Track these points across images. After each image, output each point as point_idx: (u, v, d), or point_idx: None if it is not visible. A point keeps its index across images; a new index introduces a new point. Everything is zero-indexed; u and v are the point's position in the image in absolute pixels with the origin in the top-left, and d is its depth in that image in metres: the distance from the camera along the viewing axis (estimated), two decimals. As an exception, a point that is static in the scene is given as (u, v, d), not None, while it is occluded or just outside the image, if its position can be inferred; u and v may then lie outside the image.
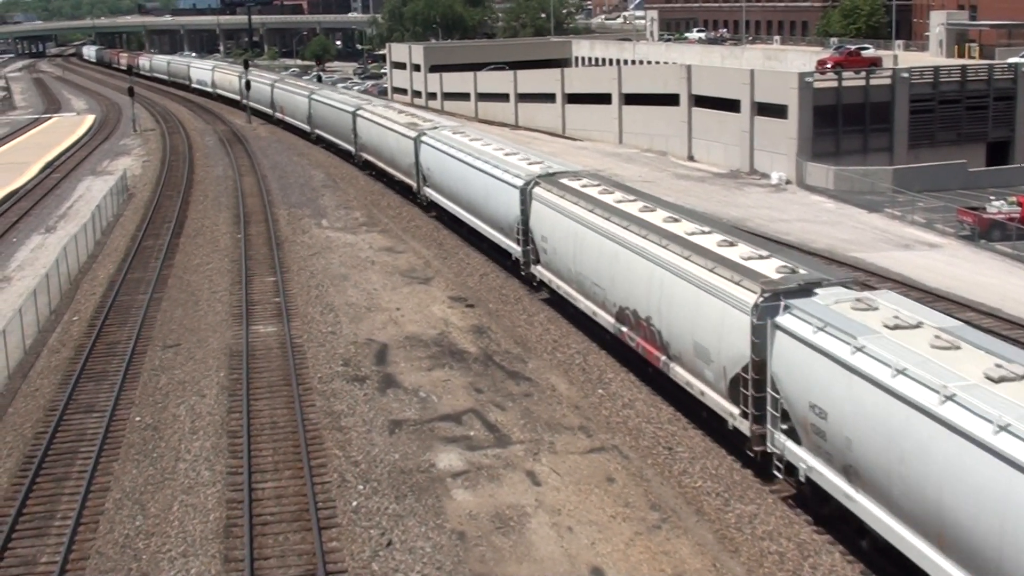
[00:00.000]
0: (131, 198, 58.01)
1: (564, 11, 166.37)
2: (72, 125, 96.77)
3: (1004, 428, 15.31)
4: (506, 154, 39.95)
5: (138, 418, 26.62)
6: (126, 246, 45.78)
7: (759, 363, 21.18)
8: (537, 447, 24.22)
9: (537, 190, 34.51)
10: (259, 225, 48.67)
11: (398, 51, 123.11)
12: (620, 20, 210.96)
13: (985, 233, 45.94)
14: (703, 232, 26.39)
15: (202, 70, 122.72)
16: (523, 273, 36.43)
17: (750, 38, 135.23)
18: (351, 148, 64.08)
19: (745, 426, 21.98)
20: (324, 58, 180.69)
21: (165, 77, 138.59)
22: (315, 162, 67.66)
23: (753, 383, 21.37)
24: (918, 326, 19.03)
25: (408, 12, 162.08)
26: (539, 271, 34.82)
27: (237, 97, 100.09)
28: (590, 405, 26.79)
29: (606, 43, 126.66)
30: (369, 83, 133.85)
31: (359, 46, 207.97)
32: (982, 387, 16.40)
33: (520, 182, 35.56)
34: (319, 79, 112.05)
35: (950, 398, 16.35)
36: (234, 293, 37.31)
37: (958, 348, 17.95)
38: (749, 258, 23.77)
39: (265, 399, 27.48)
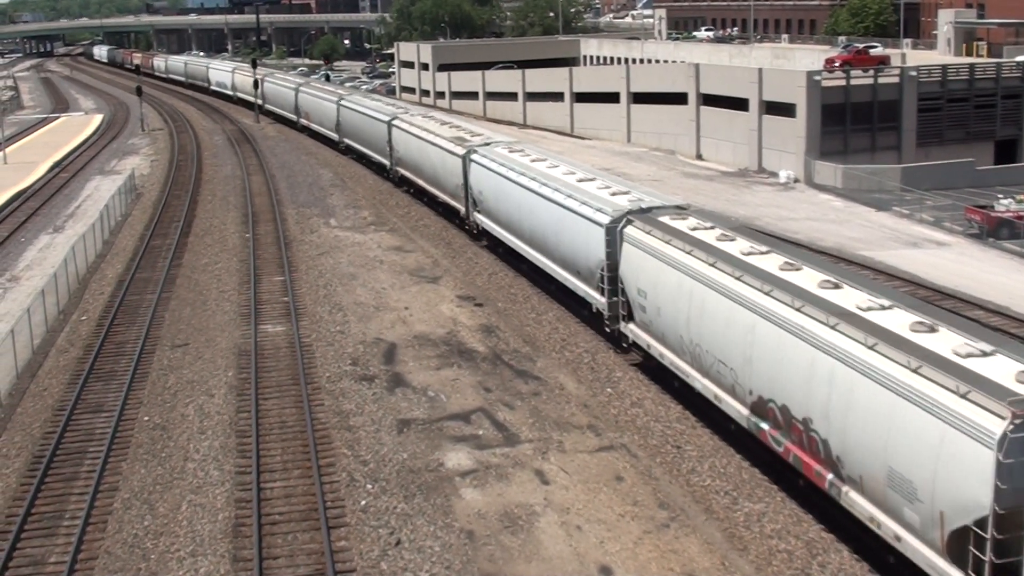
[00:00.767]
0: (139, 197, 58.11)
1: (572, 10, 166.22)
2: (80, 125, 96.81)
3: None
4: (580, 180, 33.60)
5: (147, 418, 26.68)
6: (134, 245, 45.84)
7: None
8: (546, 446, 24.23)
9: (630, 230, 28.21)
10: (267, 224, 48.71)
11: (406, 50, 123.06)
12: (628, 19, 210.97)
13: (993, 231, 45.79)
14: (881, 307, 19.86)
15: (222, 72, 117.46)
16: (608, 331, 30.03)
17: (758, 37, 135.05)
18: (386, 162, 57.81)
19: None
20: (332, 57, 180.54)
21: (182, 79, 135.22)
22: (323, 161, 67.72)
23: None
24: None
25: (416, 11, 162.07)
26: (634, 331, 28.17)
27: (260, 101, 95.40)
28: (599, 404, 26.79)
29: (614, 42, 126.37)
30: (377, 82, 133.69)
31: (367, 45, 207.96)
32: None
33: (606, 219, 29.31)
34: (327, 78, 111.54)
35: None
36: (243, 292, 37.36)
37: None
38: (968, 355, 17.32)
39: (274, 398, 27.52)
